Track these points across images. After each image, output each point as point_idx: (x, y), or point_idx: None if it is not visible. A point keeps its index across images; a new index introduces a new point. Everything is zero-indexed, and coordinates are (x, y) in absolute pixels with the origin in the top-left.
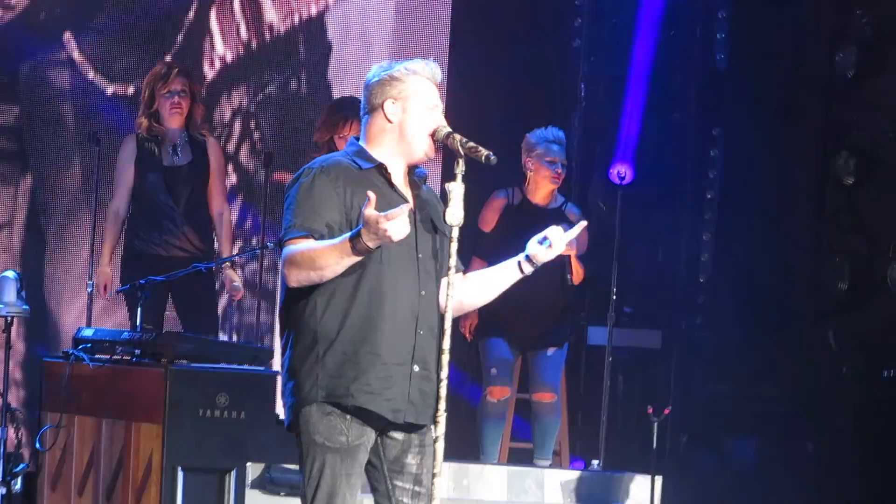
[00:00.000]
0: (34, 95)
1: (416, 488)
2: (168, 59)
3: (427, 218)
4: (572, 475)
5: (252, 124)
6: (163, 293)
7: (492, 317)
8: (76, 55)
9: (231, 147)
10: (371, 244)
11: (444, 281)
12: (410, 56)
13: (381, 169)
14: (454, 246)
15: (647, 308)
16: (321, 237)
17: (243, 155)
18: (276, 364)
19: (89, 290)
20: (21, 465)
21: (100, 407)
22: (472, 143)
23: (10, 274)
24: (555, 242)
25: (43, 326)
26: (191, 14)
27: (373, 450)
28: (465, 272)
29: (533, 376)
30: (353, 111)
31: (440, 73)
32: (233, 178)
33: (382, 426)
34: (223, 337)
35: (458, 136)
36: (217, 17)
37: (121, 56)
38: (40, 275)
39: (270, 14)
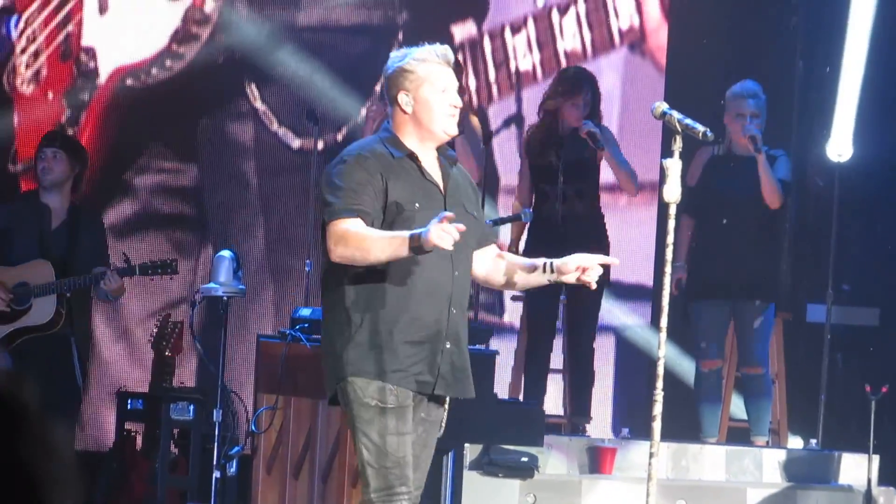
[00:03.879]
0: (213, 152)
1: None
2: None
3: (458, 201)
4: (790, 454)
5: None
6: None
7: (698, 269)
8: (258, 105)
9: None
10: (428, 247)
11: (481, 252)
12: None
13: (412, 157)
14: (671, 223)
15: (866, 285)
16: (368, 218)
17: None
18: (495, 343)
19: (308, 268)
20: (236, 448)
21: (316, 388)
22: (688, 121)
23: (226, 253)
24: (580, 267)
25: (260, 305)
26: None
27: None
28: (508, 248)
29: (740, 349)
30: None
31: (451, 53)
32: None
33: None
34: None
35: (675, 114)
36: None
37: (309, 106)
38: (256, 258)
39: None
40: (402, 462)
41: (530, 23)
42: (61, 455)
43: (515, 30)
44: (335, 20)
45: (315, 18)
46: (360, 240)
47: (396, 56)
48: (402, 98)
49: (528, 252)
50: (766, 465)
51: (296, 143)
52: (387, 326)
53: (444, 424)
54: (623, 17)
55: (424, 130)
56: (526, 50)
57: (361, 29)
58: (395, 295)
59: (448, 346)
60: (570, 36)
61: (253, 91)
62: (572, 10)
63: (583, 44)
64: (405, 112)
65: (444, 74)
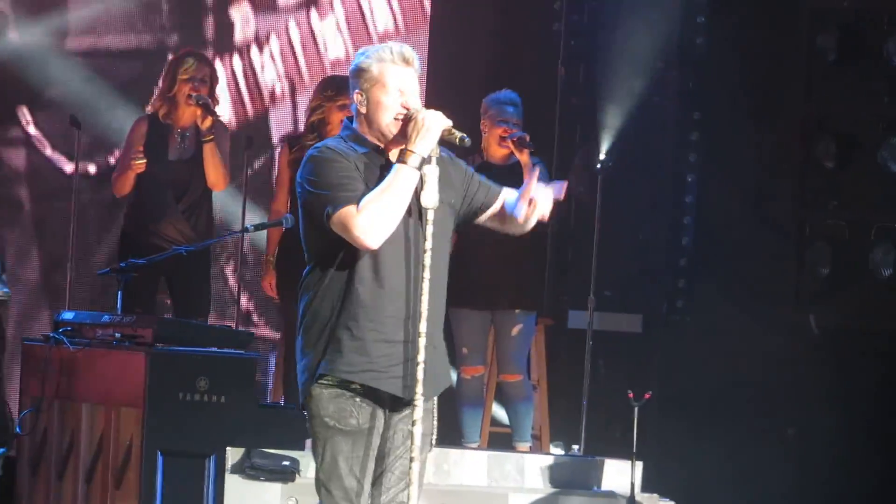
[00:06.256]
0: None
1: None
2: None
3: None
4: (552, 460)
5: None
6: (154, 278)
7: (459, 277)
8: (31, 130)
9: None
10: (419, 148)
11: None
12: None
13: (378, 150)
14: (430, 229)
15: (628, 292)
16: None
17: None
18: (257, 347)
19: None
20: (1, 450)
21: (80, 391)
22: (447, 126)
23: None
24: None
25: (23, 309)
26: (160, 83)
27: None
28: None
29: (499, 356)
30: (339, 88)
31: (410, 53)
32: None
33: (391, 406)
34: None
35: None
36: None
37: (83, 129)
38: (33, 280)
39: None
40: (347, 488)
41: (338, 6)
42: None
43: (322, 15)
44: (105, 45)
45: (86, 43)
46: (370, 203)
47: (358, 53)
48: (357, 97)
49: (282, 259)
50: (528, 471)
51: (69, 167)
52: (358, 324)
53: (435, 414)
54: None
55: (374, 130)
56: (336, 34)
57: (132, 53)
58: (365, 294)
59: (423, 343)
60: (382, 16)
61: (25, 115)
62: None
63: (395, 22)
64: (360, 111)
65: (396, 76)
